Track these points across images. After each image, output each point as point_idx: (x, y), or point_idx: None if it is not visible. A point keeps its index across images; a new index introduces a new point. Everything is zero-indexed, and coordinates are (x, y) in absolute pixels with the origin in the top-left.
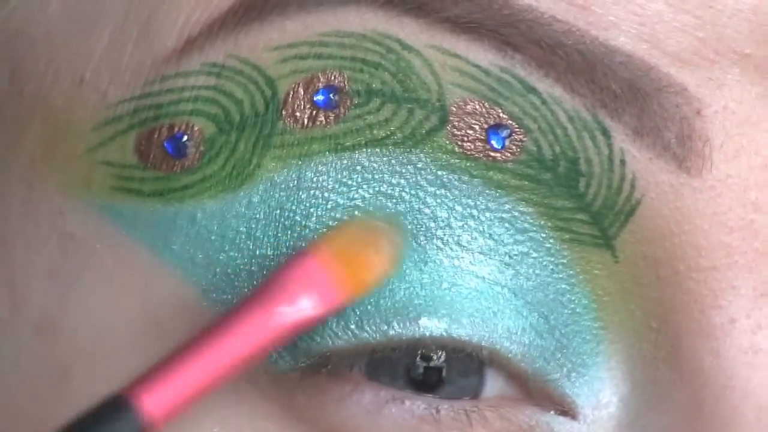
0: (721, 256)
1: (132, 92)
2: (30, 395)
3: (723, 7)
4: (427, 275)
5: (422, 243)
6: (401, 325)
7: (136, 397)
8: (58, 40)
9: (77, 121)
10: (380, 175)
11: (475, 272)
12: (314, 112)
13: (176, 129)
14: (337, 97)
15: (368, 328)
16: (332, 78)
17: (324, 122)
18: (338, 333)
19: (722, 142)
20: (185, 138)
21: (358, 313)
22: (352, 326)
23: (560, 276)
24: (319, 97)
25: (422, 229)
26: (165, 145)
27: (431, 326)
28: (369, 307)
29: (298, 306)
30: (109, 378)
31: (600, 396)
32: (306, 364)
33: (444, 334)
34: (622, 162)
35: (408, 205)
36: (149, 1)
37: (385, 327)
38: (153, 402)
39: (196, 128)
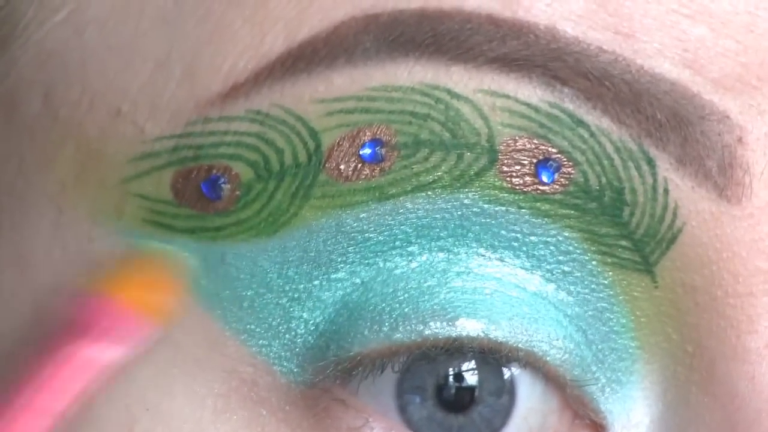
0: (758, 282)
1: (172, 130)
2: None
3: (764, 32)
4: (469, 283)
5: (463, 258)
6: (438, 326)
7: None
8: (93, 68)
9: (111, 152)
10: (424, 214)
11: (516, 284)
12: (359, 165)
13: (214, 171)
14: (383, 151)
15: (403, 329)
16: (379, 132)
17: (369, 175)
18: (370, 335)
19: (762, 169)
20: (221, 181)
21: (394, 315)
22: (386, 328)
23: (601, 295)
24: (366, 151)
25: (464, 246)
26: (202, 186)
27: (468, 327)
28: (406, 309)
29: (104, 345)
30: None
31: (631, 415)
32: (334, 372)
33: (481, 334)
34: (666, 191)
35: (450, 232)
36: (193, 42)
37: (422, 327)
38: None
39: (233, 172)
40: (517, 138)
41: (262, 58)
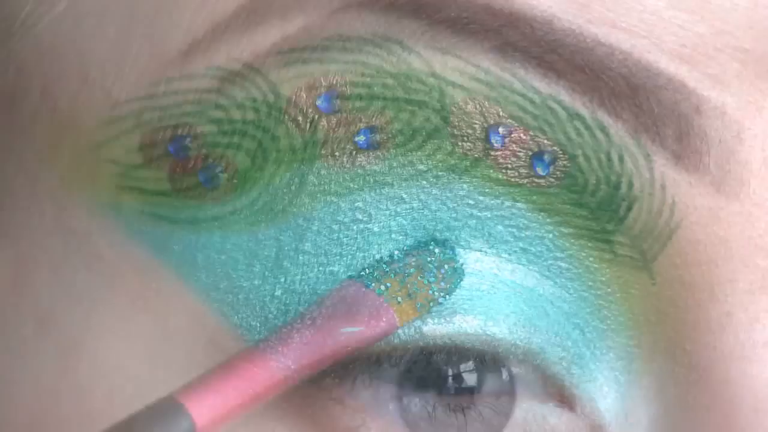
0: (756, 279)
1: (137, 92)
2: (51, 414)
3: (763, 29)
4: (466, 280)
5: (461, 253)
6: (436, 322)
7: (188, 403)
8: (64, 39)
9: (83, 120)
10: (419, 204)
11: (514, 280)
12: (355, 152)
13: (179, 131)
14: (378, 138)
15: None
16: (334, 82)
17: (365, 162)
18: None
19: (760, 166)
20: (187, 140)
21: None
22: None
23: (598, 292)
24: (360, 138)
25: (461, 242)
26: (169, 147)
27: (466, 324)
28: None
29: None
30: (127, 399)
31: (630, 415)
32: (332, 367)
33: (479, 331)
34: (663, 186)
35: (446, 224)
36: (153, 1)
37: (419, 323)
38: (199, 410)
39: (198, 131)
40: (512, 129)
41: (219, 12)
